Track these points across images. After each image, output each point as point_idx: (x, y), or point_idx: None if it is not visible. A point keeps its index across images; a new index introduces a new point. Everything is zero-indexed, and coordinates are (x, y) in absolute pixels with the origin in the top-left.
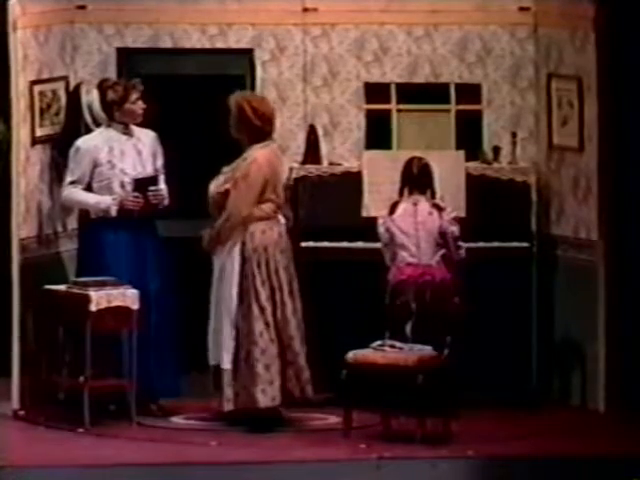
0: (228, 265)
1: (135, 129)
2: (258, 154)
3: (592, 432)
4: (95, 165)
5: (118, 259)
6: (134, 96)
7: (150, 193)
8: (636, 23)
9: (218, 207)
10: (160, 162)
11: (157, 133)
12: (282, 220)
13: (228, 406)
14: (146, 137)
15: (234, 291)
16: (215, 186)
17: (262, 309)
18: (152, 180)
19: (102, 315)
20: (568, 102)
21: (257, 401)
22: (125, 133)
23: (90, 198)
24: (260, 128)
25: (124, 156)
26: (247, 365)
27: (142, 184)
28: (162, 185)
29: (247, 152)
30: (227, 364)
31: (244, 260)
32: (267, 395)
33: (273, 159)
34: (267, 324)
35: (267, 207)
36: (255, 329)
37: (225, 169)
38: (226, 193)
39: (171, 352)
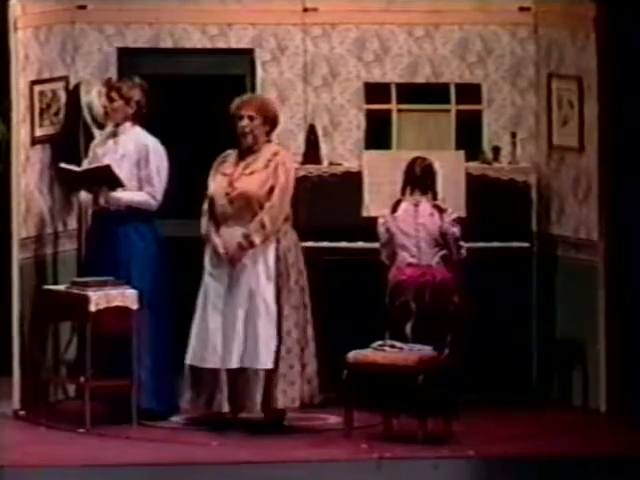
0: (262, 265)
1: (131, 132)
2: (283, 152)
3: (593, 432)
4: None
5: (98, 255)
6: (104, 93)
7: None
8: (636, 23)
9: (253, 207)
10: (146, 171)
11: (156, 134)
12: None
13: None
14: (131, 142)
15: (272, 290)
16: (251, 184)
17: (294, 308)
18: (103, 171)
19: (102, 315)
20: (568, 102)
21: (277, 401)
22: (113, 134)
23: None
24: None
25: (104, 156)
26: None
27: (91, 175)
28: (125, 192)
29: (266, 148)
30: (268, 364)
31: (278, 259)
32: (287, 396)
33: None
34: (296, 324)
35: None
36: (283, 327)
37: (241, 162)
38: (269, 191)
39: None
